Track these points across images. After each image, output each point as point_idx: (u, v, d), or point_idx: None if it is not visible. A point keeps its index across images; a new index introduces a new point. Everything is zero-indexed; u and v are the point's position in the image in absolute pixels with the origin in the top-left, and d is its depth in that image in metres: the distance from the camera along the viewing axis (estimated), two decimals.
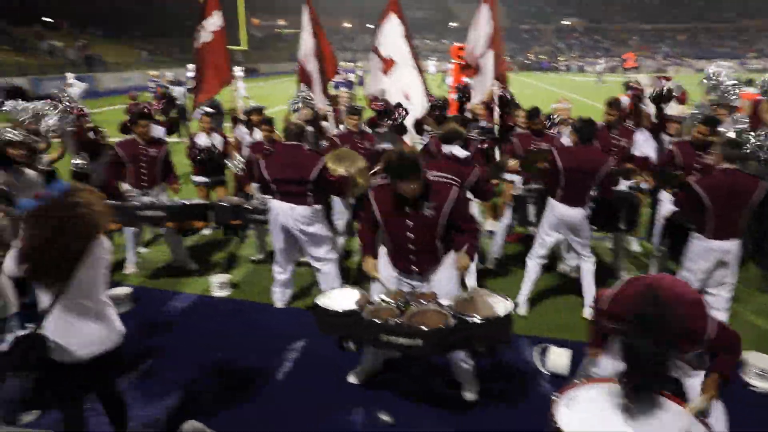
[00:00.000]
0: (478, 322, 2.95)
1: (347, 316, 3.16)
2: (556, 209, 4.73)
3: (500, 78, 7.15)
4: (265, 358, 4.25)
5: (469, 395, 3.71)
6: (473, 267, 5.09)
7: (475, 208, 5.21)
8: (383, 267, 3.65)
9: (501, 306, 3.09)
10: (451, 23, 69.33)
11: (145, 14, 54.42)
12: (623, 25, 65.41)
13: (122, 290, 5.13)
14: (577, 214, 4.68)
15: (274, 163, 4.74)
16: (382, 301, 3.24)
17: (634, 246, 6.53)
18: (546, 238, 4.91)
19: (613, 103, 5.95)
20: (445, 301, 3.17)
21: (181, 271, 5.98)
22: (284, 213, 4.74)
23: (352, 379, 3.93)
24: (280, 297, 5.13)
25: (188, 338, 4.59)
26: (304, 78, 7.75)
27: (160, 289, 5.54)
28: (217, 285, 5.41)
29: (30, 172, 4.56)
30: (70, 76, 20.04)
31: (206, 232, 6.95)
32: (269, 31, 71.36)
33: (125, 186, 5.66)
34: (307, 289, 5.44)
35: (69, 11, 46.94)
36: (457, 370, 3.71)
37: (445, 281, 3.54)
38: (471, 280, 5.18)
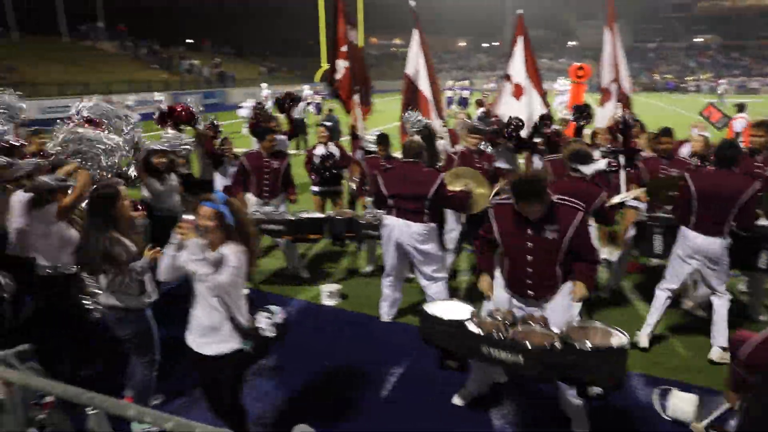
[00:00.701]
0: (588, 349, 2.77)
1: (451, 326, 3.14)
2: (690, 238, 4.36)
3: (622, 100, 6.82)
4: (371, 371, 4.31)
5: (578, 430, 3.51)
6: None
7: (593, 232, 4.95)
8: (497, 288, 3.58)
9: (615, 339, 2.88)
10: (570, 42, 67.15)
11: (272, 35, 58.22)
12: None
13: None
14: (714, 244, 4.27)
15: (392, 179, 4.83)
16: (490, 316, 3.19)
17: None
18: (679, 269, 4.52)
19: (764, 124, 5.38)
20: (555, 328, 3.04)
21: (293, 278, 6.25)
22: (399, 229, 4.79)
23: (456, 400, 3.87)
24: (387, 311, 5.19)
25: (296, 344, 4.75)
26: (411, 96, 7.70)
27: (273, 294, 5.83)
28: (327, 294, 5.59)
29: (173, 179, 5.04)
30: (158, 95, 22.25)
31: (338, 244, 7.17)
32: (385, 49, 73.42)
33: (249, 197, 6.06)
34: (414, 305, 5.45)
35: (208, 33, 51.62)
36: (565, 404, 3.53)
37: (560, 310, 3.38)
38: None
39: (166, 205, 5.30)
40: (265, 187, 6.07)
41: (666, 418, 3.68)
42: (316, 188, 6.92)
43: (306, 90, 22.29)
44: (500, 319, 3.13)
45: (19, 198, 3.91)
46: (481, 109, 11.61)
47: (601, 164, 4.46)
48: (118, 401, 1.95)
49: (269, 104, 14.06)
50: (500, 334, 2.94)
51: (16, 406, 2.22)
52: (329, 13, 7.56)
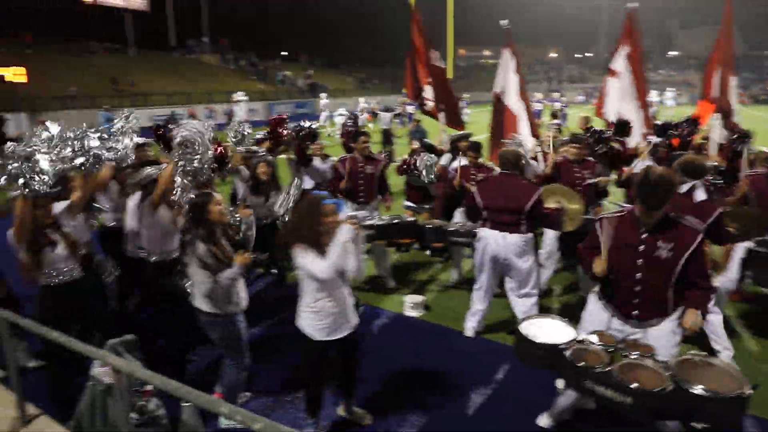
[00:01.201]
0: (705, 395, 2.51)
1: (549, 351, 2.98)
2: None
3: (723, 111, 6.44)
4: (452, 385, 4.23)
5: None
6: None
7: None
8: (595, 306, 3.38)
9: (733, 381, 2.59)
10: (670, 52, 63.37)
11: (363, 47, 59.60)
12: None
13: None
14: None
15: (488, 191, 4.75)
16: (591, 342, 3.00)
17: None
18: None
19: None
20: (662, 359, 2.82)
21: (378, 286, 6.29)
22: (495, 241, 4.69)
23: (542, 421, 3.71)
24: (472, 326, 5.08)
25: (377, 352, 4.79)
26: (500, 116, 7.52)
27: (358, 302, 5.87)
28: (410, 305, 5.58)
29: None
30: (238, 95, 23.16)
31: (428, 253, 7.21)
32: (473, 61, 72.96)
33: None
34: (502, 322, 5.30)
35: (303, 46, 53.81)
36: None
37: (665, 337, 3.12)
38: None
39: (263, 212, 5.57)
40: (360, 192, 6.15)
41: None
42: (409, 203, 6.89)
43: (362, 103, 22.81)
44: (602, 345, 2.93)
45: (134, 201, 4.26)
46: (556, 121, 11.31)
47: (701, 195, 4.03)
48: (212, 398, 2.04)
49: (363, 117, 14.44)
50: (605, 369, 2.73)
51: (122, 392, 2.37)
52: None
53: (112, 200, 5.05)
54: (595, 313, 3.36)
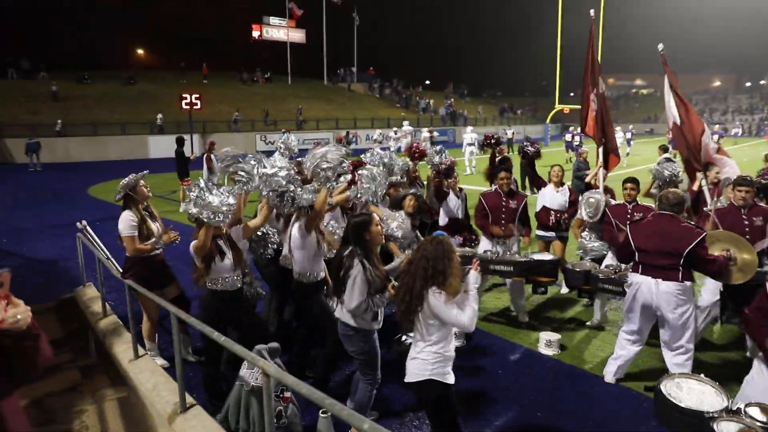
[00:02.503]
0: None
1: (694, 417, 2.68)
2: None
3: None
4: (583, 430, 3.97)
5: None
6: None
7: None
8: (761, 373, 3.00)
9: None
10: None
11: (505, 75, 59.30)
12: None
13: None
14: None
15: (643, 231, 4.43)
16: (749, 415, 2.62)
17: None
18: None
19: None
20: None
21: (512, 320, 6.13)
22: (648, 289, 4.34)
23: None
24: (613, 372, 4.72)
25: (508, 389, 4.65)
26: (679, 144, 6.91)
27: (491, 334, 5.78)
28: (545, 342, 5.34)
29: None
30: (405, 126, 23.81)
31: (563, 291, 6.97)
32: (625, 90, 68.93)
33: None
34: (647, 371, 4.88)
35: (446, 74, 54.98)
36: None
37: None
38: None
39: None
40: (502, 225, 6.05)
41: None
42: (543, 233, 6.73)
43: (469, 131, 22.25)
44: (761, 424, 2.55)
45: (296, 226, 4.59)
46: (665, 155, 10.21)
47: None
48: (355, 413, 2.10)
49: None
50: None
51: (269, 395, 2.55)
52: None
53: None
54: (760, 381, 2.98)
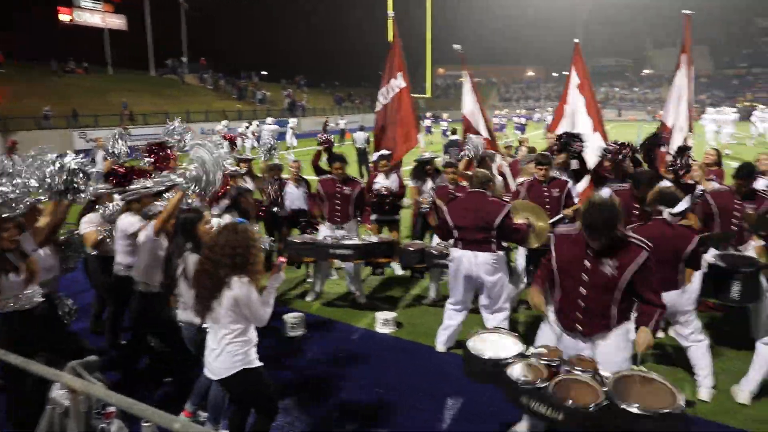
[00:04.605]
0: (636, 413, 2.50)
1: (492, 366, 3.04)
2: None
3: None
4: (422, 401, 4.24)
5: None
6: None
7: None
8: (548, 323, 3.46)
9: (668, 398, 2.59)
10: (645, 70, 64.99)
11: (342, 66, 60.11)
12: None
13: (296, 315, 5.55)
14: None
15: (457, 209, 4.81)
16: (537, 355, 3.04)
17: None
18: None
19: None
20: (606, 374, 2.85)
21: (352, 303, 6.31)
22: (468, 260, 4.74)
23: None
24: (443, 341, 5.10)
25: (348, 369, 4.79)
26: (472, 131, 8.00)
27: (331, 319, 5.89)
28: (382, 321, 5.59)
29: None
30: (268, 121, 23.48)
31: (399, 272, 7.26)
32: (452, 80, 73.93)
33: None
34: None
35: (282, 65, 54.13)
36: None
37: (613, 351, 3.19)
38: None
39: None
40: (337, 212, 6.24)
41: None
42: (373, 216, 7.01)
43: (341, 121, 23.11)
44: (545, 361, 2.96)
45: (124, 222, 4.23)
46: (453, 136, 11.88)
47: (684, 204, 4.02)
48: (167, 415, 2.02)
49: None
50: (542, 384, 2.77)
51: (79, 414, 2.35)
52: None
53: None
54: (548, 329, 3.45)
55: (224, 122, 25.51)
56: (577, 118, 7.86)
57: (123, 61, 44.77)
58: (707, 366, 4.24)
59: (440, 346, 5.12)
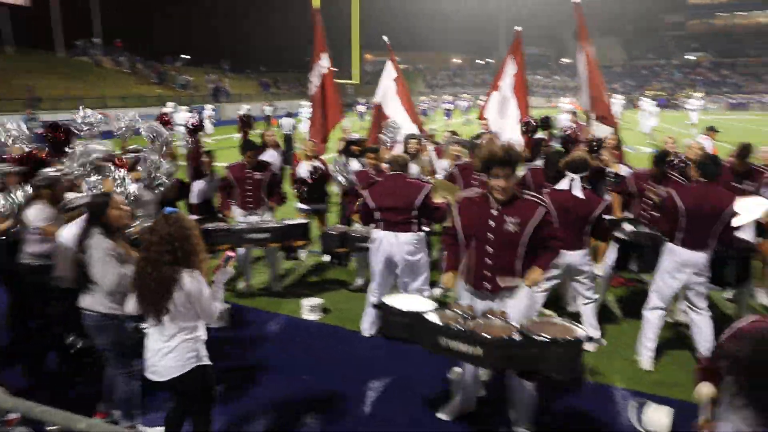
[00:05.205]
0: (545, 340, 2.83)
1: (409, 317, 3.18)
2: (677, 253, 4.35)
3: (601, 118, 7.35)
4: (350, 386, 4.26)
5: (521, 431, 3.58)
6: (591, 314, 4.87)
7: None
8: (459, 286, 3.62)
9: (571, 332, 2.95)
10: (563, 59, 67.82)
11: (269, 51, 58.61)
12: (759, 59, 59.92)
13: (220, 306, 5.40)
14: (702, 258, 4.30)
15: (379, 192, 4.85)
16: (449, 309, 3.23)
17: (762, 298, 5.84)
18: (667, 285, 4.48)
19: None
20: (515, 323, 3.10)
21: (277, 292, 6.22)
22: (388, 241, 4.79)
23: (442, 415, 3.82)
24: (369, 326, 5.14)
25: (275, 358, 4.73)
26: (382, 117, 8.06)
27: (256, 308, 5.79)
28: (308, 308, 5.56)
29: None
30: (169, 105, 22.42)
31: (302, 256, 7.21)
32: (381, 66, 73.98)
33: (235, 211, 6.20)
34: None
35: (205, 49, 52.08)
36: (517, 398, 3.55)
37: (522, 306, 3.46)
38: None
39: None
40: (249, 198, 6.11)
41: (641, 430, 3.66)
42: (302, 206, 6.93)
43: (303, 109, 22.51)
44: (460, 312, 3.17)
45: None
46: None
47: (579, 192, 4.47)
48: (72, 415, 1.92)
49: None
50: (458, 325, 2.98)
51: None
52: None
53: None
54: (459, 291, 3.64)
55: (171, 104, 24.08)
56: (507, 105, 8.01)
57: (25, 39, 41.37)
58: (595, 323, 4.82)
59: (366, 331, 5.15)
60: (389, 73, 7.99)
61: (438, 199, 5.04)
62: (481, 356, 2.87)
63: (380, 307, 3.35)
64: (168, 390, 3.10)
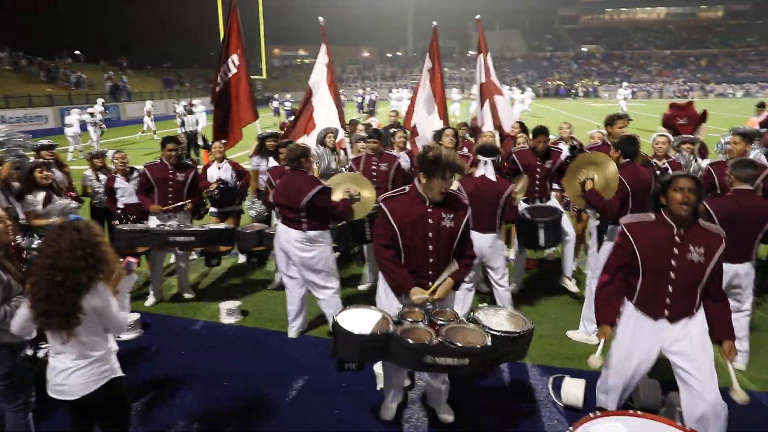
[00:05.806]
0: (517, 335, 3.00)
1: (381, 340, 2.95)
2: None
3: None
4: (270, 387, 4.16)
5: (449, 417, 3.69)
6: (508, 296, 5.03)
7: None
8: (385, 288, 3.48)
9: (524, 322, 3.13)
10: (471, 52, 69.98)
11: (171, 47, 55.90)
12: (642, 51, 65.20)
13: (130, 316, 5.08)
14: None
15: (279, 187, 4.78)
16: (405, 320, 3.09)
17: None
18: None
19: None
20: (462, 317, 3.18)
21: (193, 298, 5.94)
22: (283, 236, 4.76)
23: (384, 415, 3.76)
24: (293, 327, 5.03)
25: (194, 366, 4.52)
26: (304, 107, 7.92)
27: (170, 316, 5.51)
28: (226, 311, 5.36)
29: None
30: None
31: (241, 260, 6.98)
32: (289, 60, 72.82)
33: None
34: (320, 317, 5.29)
35: (101, 45, 48.71)
36: (433, 394, 3.70)
37: (456, 301, 3.59)
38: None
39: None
40: (169, 199, 5.72)
41: (559, 404, 3.84)
42: (214, 209, 6.63)
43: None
44: (419, 321, 3.08)
45: None
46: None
47: (493, 175, 4.71)
48: None
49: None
50: (437, 340, 2.89)
51: None
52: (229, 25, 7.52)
53: None
54: (388, 293, 3.46)
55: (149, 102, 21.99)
56: (430, 104, 8.10)
57: None
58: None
59: (292, 332, 5.03)
60: (323, 58, 7.69)
61: (339, 193, 4.95)
62: (467, 365, 2.87)
63: (336, 333, 3.06)
64: (70, 411, 2.83)
